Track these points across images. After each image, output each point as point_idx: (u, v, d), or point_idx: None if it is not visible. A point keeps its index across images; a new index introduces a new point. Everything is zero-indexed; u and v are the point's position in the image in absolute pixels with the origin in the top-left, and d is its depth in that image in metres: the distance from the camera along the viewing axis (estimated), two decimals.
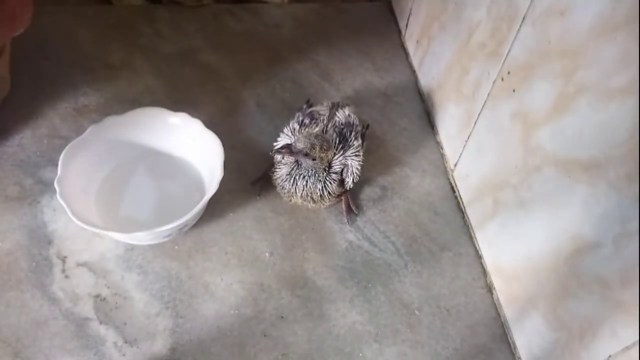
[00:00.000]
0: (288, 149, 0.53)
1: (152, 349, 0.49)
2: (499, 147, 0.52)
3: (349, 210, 0.60)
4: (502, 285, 0.54)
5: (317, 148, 0.52)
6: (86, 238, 0.55)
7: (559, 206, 0.44)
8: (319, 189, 0.55)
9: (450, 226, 0.60)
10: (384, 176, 0.64)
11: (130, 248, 0.55)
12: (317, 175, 0.54)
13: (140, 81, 0.69)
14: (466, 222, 0.60)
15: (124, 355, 0.49)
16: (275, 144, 0.58)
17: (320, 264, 0.56)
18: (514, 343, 0.52)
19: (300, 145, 0.52)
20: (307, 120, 0.58)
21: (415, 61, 0.75)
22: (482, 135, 0.56)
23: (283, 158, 0.55)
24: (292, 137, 0.56)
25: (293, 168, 0.55)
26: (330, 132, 0.57)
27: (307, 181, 0.54)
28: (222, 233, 0.57)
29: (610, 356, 0.39)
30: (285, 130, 0.58)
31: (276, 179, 0.56)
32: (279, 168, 0.56)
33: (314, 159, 0.53)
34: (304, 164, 0.54)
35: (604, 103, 0.38)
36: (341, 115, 0.59)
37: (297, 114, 0.61)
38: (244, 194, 0.60)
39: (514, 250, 0.51)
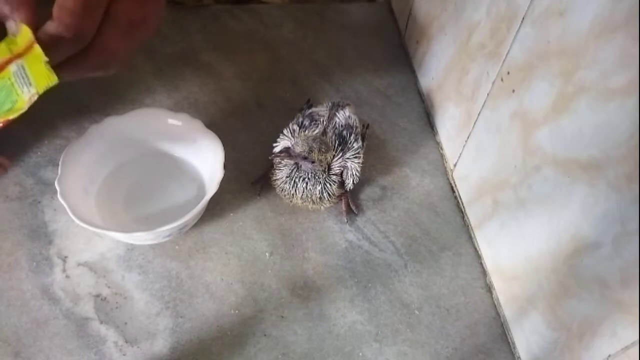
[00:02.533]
0: (287, 152, 0.53)
1: (153, 349, 0.49)
2: (499, 147, 0.52)
3: (349, 210, 0.60)
4: (501, 285, 0.54)
5: (316, 151, 0.52)
6: (87, 238, 0.55)
7: (559, 206, 0.44)
8: (319, 191, 0.55)
9: (450, 226, 0.60)
10: (384, 176, 0.64)
11: (131, 248, 0.55)
12: (316, 177, 0.55)
13: (140, 81, 0.69)
14: (466, 222, 0.60)
15: (124, 354, 0.49)
16: (274, 144, 0.58)
17: (320, 264, 0.56)
18: (513, 342, 0.52)
19: (298, 149, 0.52)
20: (307, 122, 0.58)
21: (415, 61, 0.75)
22: (482, 136, 0.56)
23: (282, 161, 0.55)
24: (292, 138, 0.56)
25: (293, 170, 0.55)
26: (330, 134, 0.57)
27: (306, 183, 0.55)
28: (222, 233, 0.57)
29: (609, 356, 0.39)
30: (285, 131, 0.58)
31: (276, 181, 0.56)
32: (279, 170, 0.56)
33: (313, 162, 0.53)
34: (303, 167, 0.54)
35: (603, 103, 0.38)
36: (341, 117, 0.59)
37: (297, 115, 0.61)
38: (244, 194, 0.60)
39: (514, 250, 0.52)
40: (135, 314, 0.51)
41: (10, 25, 0.36)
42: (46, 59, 0.36)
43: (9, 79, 0.36)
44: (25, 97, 0.36)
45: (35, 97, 0.36)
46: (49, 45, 0.35)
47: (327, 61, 0.75)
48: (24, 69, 0.36)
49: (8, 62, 0.37)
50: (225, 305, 0.52)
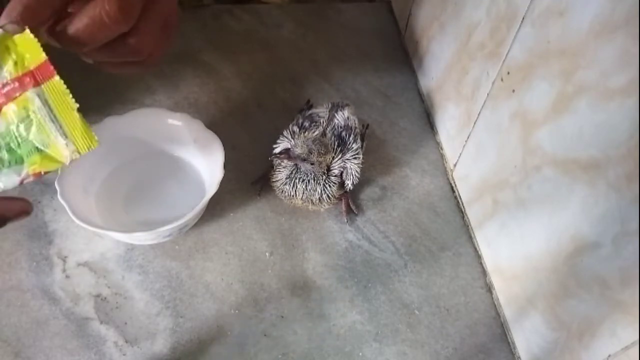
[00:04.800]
0: (286, 154, 0.53)
1: (153, 349, 0.49)
2: (499, 147, 0.53)
3: (349, 210, 0.60)
4: (501, 284, 0.54)
5: (315, 153, 0.53)
6: (87, 238, 0.55)
7: (559, 206, 0.44)
8: (319, 192, 0.55)
9: (450, 226, 0.60)
10: (383, 176, 0.64)
11: (131, 248, 0.55)
12: (316, 178, 0.55)
13: (140, 81, 0.69)
14: (466, 222, 0.60)
15: (124, 354, 0.49)
16: (274, 146, 0.58)
17: (320, 264, 0.56)
18: (513, 342, 0.52)
19: (298, 150, 0.52)
20: (307, 124, 0.58)
21: (415, 61, 0.75)
22: (482, 136, 0.56)
23: (282, 162, 0.55)
24: (292, 140, 0.56)
25: (292, 171, 0.55)
26: (329, 135, 0.57)
27: (306, 184, 0.55)
28: (222, 233, 0.57)
29: (609, 356, 0.39)
30: (284, 133, 0.58)
31: (275, 182, 0.56)
32: (279, 171, 0.56)
33: (312, 163, 0.53)
34: (302, 168, 0.54)
35: (603, 103, 0.38)
36: (340, 118, 0.59)
37: (297, 116, 0.61)
38: (244, 194, 0.60)
39: (514, 250, 0.52)
40: (135, 314, 0.51)
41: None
42: (77, 105, 0.33)
43: (33, 111, 0.33)
44: (63, 151, 0.33)
45: (77, 157, 0.33)
46: (91, 26, 0.33)
47: (327, 61, 0.75)
48: (49, 107, 0.33)
49: (21, 82, 0.33)
50: (225, 305, 0.52)
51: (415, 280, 0.56)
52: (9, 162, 0.33)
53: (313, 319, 0.53)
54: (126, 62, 0.39)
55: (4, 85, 0.33)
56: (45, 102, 0.33)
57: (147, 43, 0.38)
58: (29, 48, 0.33)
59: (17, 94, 0.33)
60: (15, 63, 0.33)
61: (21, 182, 0.34)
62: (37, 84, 0.33)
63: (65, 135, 0.33)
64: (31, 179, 0.34)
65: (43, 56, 0.33)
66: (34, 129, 0.33)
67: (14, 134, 0.33)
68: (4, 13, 0.32)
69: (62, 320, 0.50)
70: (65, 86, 0.34)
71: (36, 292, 0.51)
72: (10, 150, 0.33)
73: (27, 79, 0.33)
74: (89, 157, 0.54)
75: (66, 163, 0.34)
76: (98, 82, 0.67)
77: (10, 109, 0.33)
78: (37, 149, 0.33)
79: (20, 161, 0.33)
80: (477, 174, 0.58)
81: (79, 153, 0.34)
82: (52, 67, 0.33)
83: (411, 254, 0.58)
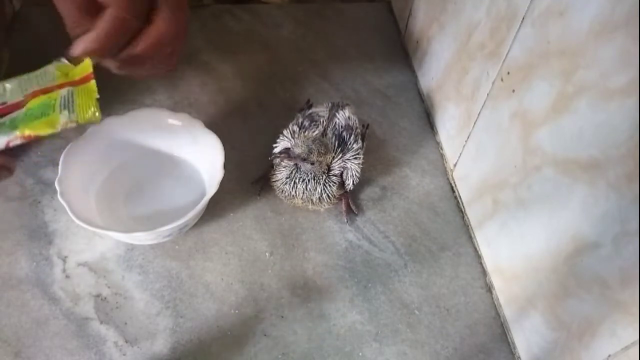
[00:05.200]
0: (286, 153, 0.53)
1: (153, 349, 0.49)
2: (499, 147, 0.53)
3: (349, 210, 0.60)
4: (501, 284, 0.54)
5: (315, 152, 0.53)
6: (87, 238, 0.55)
7: (559, 206, 0.44)
8: (319, 192, 0.55)
9: (450, 226, 0.60)
10: (383, 176, 0.64)
11: (131, 248, 0.55)
12: (316, 178, 0.55)
13: (140, 81, 0.69)
14: (466, 222, 0.60)
15: (124, 354, 0.49)
16: (274, 145, 0.58)
17: (320, 264, 0.56)
18: (513, 342, 0.52)
19: (298, 150, 0.52)
20: (307, 123, 0.58)
21: (415, 61, 0.75)
22: (482, 136, 0.56)
23: (282, 162, 0.55)
24: (292, 139, 0.56)
25: (292, 171, 0.55)
26: (329, 135, 0.57)
27: (306, 184, 0.55)
28: (222, 233, 0.57)
29: (609, 356, 0.39)
30: (285, 132, 0.58)
31: (275, 182, 0.56)
32: (279, 171, 0.56)
33: (312, 163, 0.53)
34: (302, 168, 0.54)
35: (603, 103, 0.38)
36: (341, 117, 0.59)
37: (297, 116, 0.61)
38: (244, 194, 0.60)
39: (514, 250, 0.52)
40: (135, 314, 0.51)
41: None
42: (97, 95, 0.37)
43: (55, 99, 0.37)
44: (61, 119, 0.36)
45: (73, 125, 0.36)
46: (110, 32, 0.36)
47: (327, 61, 0.75)
48: (72, 95, 0.37)
49: (61, 86, 0.37)
50: (225, 305, 0.52)
51: (415, 280, 0.56)
52: (4, 132, 0.36)
53: (313, 319, 0.53)
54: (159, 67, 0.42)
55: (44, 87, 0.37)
56: (70, 92, 0.37)
57: (178, 32, 0.40)
58: (82, 68, 0.38)
59: (51, 91, 0.37)
60: (66, 75, 0.38)
61: (7, 144, 0.36)
62: (73, 85, 0.37)
63: (71, 109, 0.36)
64: (19, 141, 0.36)
65: (90, 70, 0.37)
66: (44, 108, 0.36)
67: (24, 115, 0.36)
68: (73, 47, 0.37)
69: (62, 320, 0.50)
70: (96, 88, 0.37)
71: (36, 292, 0.51)
72: (11, 124, 0.36)
73: (67, 83, 0.37)
74: (89, 157, 0.55)
75: (58, 129, 0.36)
76: (98, 82, 0.67)
77: (38, 99, 0.36)
78: (35, 117, 0.36)
79: (14, 128, 0.36)
80: (477, 174, 0.58)
81: (77, 122, 0.36)
82: (92, 76, 0.38)
83: (411, 254, 0.58)
